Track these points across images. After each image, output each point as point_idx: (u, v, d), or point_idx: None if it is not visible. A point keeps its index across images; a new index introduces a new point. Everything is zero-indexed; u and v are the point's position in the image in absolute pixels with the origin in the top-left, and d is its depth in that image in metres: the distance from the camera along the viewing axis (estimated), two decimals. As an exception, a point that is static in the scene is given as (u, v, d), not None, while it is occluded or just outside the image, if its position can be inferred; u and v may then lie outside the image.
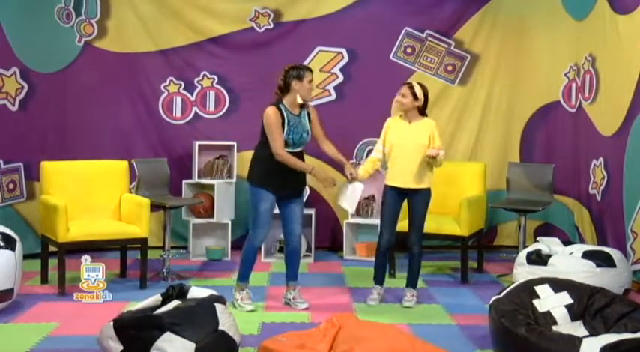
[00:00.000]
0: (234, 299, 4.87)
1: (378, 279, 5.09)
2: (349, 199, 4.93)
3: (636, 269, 5.28)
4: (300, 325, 4.44)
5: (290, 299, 4.97)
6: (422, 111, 4.96)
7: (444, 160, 4.89)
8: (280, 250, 6.50)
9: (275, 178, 4.75)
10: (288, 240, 4.98)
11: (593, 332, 3.75)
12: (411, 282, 5.05)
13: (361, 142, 6.95)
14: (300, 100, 4.77)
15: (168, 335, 3.48)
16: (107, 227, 5.46)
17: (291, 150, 4.74)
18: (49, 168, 5.61)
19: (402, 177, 4.89)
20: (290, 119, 4.74)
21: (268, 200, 4.79)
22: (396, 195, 4.94)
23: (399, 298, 5.12)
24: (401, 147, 4.89)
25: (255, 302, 4.91)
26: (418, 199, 4.92)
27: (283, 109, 4.74)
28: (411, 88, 4.89)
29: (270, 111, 4.70)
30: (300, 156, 4.82)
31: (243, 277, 4.94)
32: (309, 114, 4.88)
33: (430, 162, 4.84)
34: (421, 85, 4.96)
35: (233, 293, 4.93)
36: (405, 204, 5.04)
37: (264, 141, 4.75)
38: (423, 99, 4.90)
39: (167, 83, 6.89)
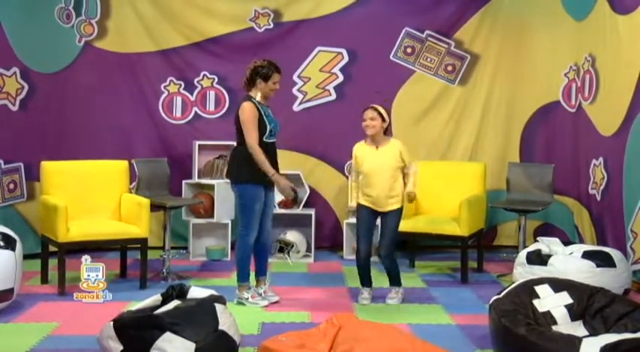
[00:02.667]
0: (243, 298, 4.91)
1: (365, 282, 5.14)
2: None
3: (636, 269, 5.28)
4: (300, 325, 4.44)
5: (261, 294, 5.01)
6: (387, 131, 5.05)
7: (416, 177, 4.98)
8: (280, 250, 6.51)
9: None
10: (262, 235, 5.00)
11: (593, 332, 3.75)
12: (394, 283, 5.12)
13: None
14: (258, 98, 4.89)
15: (168, 335, 3.48)
16: (107, 227, 5.46)
17: (273, 140, 4.91)
18: (49, 168, 5.61)
19: (374, 202, 4.98)
20: (265, 111, 4.87)
21: (261, 197, 4.87)
22: (369, 213, 5.03)
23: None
24: (371, 174, 4.96)
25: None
26: (390, 218, 5.01)
27: (257, 104, 4.85)
28: (377, 110, 4.96)
29: (247, 106, 4.81)
30: (275, 147, 4.94)
31: (246, 277, 4.97)
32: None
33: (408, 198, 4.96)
34: (382, 107, 5.04)
35: (238, 294, 4.94)
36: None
37: (244, 137, 4.83)
38: (388, 120, 5.01)
39: (167, 83, 6.89)
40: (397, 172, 4.95)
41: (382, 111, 4.97)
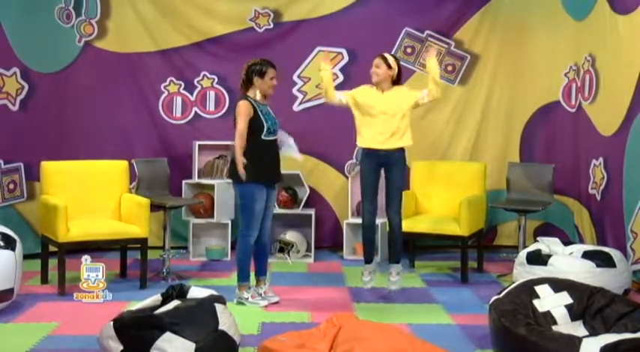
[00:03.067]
0: (243, 298, 4.92)
1: (368, 256, 5.14)
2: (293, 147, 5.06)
3: (636, 269, 5.28)
4: (300, 325, 4.44)
5: (261, 294, 5.02)
6: (396, 81, 5.04)
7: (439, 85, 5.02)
8: (280, 250, 6.51)
9: (264, 166, 4.85)
10: (262, 235, 5.01)
11: (593, 332, 3.75)
12: (394, 257, 5.11)
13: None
14: (257, 96, 4.89)
15: (168, 335, 3.48)
16: (107, 227, 5.46)
17: (272, 137, 4.91)
18: (49, 168, 5.61)
19: (376, 140, 4.98)
20: (262, 109, 4.87)
21: (262, 197, 4.88)
22: (372, 163, 5.01)
23: (399, 299, 5.14)
24: (374, 112, 4.97)
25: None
26: (394, 167, 5.00)
27: (253, 102, 4.86)
28: (384, 58, 4.99)
29: (242, 104, 4.84)
30: (275, 145, 4.94)
31: (246, 277, 4.98)
32: None
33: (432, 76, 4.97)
34: (393, 56, 5.08)
35: (238, 294, 4.95)
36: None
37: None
38: (396, 69, 5.00)
39: (167, 83, 6.89)
40: (404, 116, 4.96)
41: (389, 58, 4.99)
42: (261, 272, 5.10)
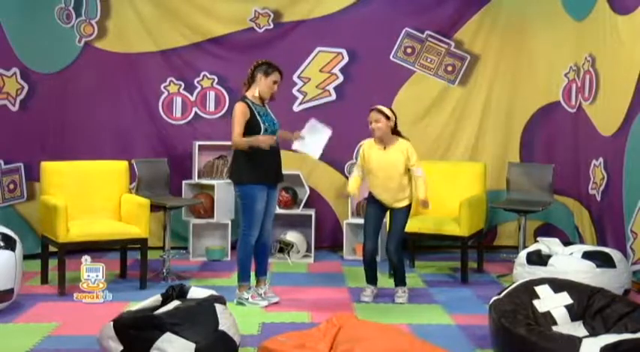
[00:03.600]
0: (243, 299, 4.91)
1: (370, 280, 5.18)
2: (313, 144, 4.96)
3: (636, 270, 5.28)
4: (300, 325, 4.44)
5: (261, 294, 5.01)
6: (395, 130, 5.03)
7: (426, 183, 5.01)
8: (280, 250, 6.51)
9: (264, 167, 4.83)
10: (262, 236, 5.00)
11: (593, 333, 3.75)
12: (399, 282, 5.14)
13: (361, 143, 6.92)
14: (256, 93, 4.88)
15: (168, 336, 3.47)
16: (107, 227, 5.46)
17: None
18: (49, 168, 5.61)
19: (382, 198, 5.04)
20: (259, 110, 4.86)
21: (263, 198, 4.87)
22: (377, 208, 5.09)
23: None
24: (378, 174, 5.00)
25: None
26: (398, 213, 5.06)
27: (250, 103, 4.84)
28: (380, 111, 4.98)
29: (238, 106, 4.85)
30: (275, 146, 4.88)
31: (246, 277, 4.97)
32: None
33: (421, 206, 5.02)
34: (388, 108, 5.07)
35: (238, 294, 4.94)
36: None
37: None
38: (394, 118, 4.99)
39: (167, 83, 6.89)
40: (405, 173, 4.99)
41: (385, 110, 4.99)
42: (261, 272, 5.10)
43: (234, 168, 4.95)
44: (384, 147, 5.02)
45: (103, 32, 6.72)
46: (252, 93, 4.90)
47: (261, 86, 4.88)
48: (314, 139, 4.95)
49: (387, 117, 4.96)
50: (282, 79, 4.99)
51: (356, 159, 6.83)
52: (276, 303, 4.98)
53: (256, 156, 4.78)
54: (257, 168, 4.80)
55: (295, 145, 4.99)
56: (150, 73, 6.85)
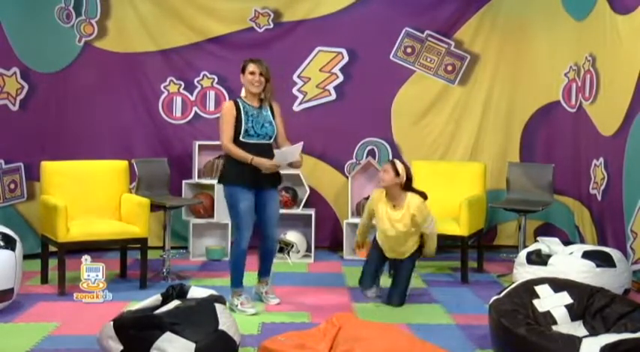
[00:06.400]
0: (233, 305, 4.77)
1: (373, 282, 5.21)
2: (290, 159, 4.84)
3: (636, 269, 5.28)
4: (300, 325, 4.44)
5: (262, 293, 5.00)
6: (407, 187, 4.96)
7: (435, 237, 5.01)
8: (280, 250, 6.49)
9: (245, 171, 4.68)
10: (265, 243, 4.95)
11: (593, 332, 3.75)
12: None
13: (361, 142, 6.95)
14: (243, 93, 4.83)
15: (168, 335, 3.47)
16: (107, 227, 5.45)
17: (254, 141, 4.73)
18: (49, 168, 5.61)
19: (388, 252, 5.07)
20: (248, 110, 4.76)
21: (246, 198, 4.72)
22: (380, 256, 5.11)
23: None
24: (386, 233, 4.99)
25: (254, 302, 4.91)
26: (404, 262, 5.05)
27: (240, 102, 4.78)
28: (394, 165, 4.94)
29: (225, 104, 4.81)
30: (265, 148, 4.76)
31: (238, 283, 4.87)
32: (271, 109, 4.88)
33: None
34: (403, 163, 5.03)
35: (230, 299, 4.79)
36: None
37: None
38: (404, 177, 4.90)
39: (167, 83, 6.89)
40: (411, 233, 4.97)
41: (398, 165, 4.93)
42: (264, 273, 5.06)
43: (222, 169, 4.91)
44: (394, 206, 4.96)
45: (103, 32, 6.72)
46: (245, 93, 4.85)
47: (244, 83, 4.81)
48: (289, 157, 4.79)
49: (397, 174, 4.89)
50: (259, 65, 4.76)
51: (355, 158, 6.87)
52: (277, 305, 4.94)
53: (232, 158, 4.71)
54: (237, 170, 4.69)
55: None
56: (150, 72, 6.85)
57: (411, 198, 4.93)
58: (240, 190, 4.71)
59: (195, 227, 6.65)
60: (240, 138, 4.71)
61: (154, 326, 3.52)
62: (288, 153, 4.76)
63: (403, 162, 5.08)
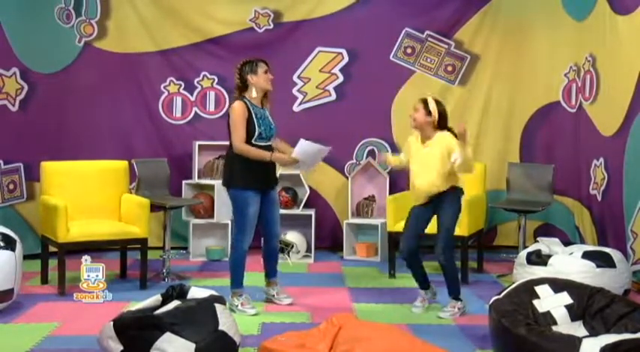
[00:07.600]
0: (233, 305, 4.77)
1: (419, 284, 4.98)
2: (310, 162, 4.79)
3: (636, 270, 5.28)
4: (300, 325, 4.44)
5: (273, 295, 4.99)
6: (440, 126, 4.62)
7: (471, 159, 4.56)
8: (280, 250, 6.45)
9: (258, 174, 4.70)
10: (272, 242, 4.96)
11: (593, 333, 3.75)
12: (450, 291, 4.80)
13: (361, 142, 6.95)
14: (255, 94, 4.75)
15: (168, 336, 3.47)
16: (107, 227, 5.46)
17: (264, 143, 4.72)
18: (49, 168, 5.61)
19: (421, 196, 4.75)
20: (256, 112, 4.73)
21: (255, 202, 4.73)
22: (421, 209, 4.77)
23: (399, 299, 5.15)
24: (417, 173, 4.71)
25: (254, 302, 4.90)
26: (442, 204, 4.68)
27: (249, 103, 4.73)
28: (425, 103, 4.64)
29: (237, 105, 4.69)
30: (270, 149, 4.75)
31: (238, 283, 4.87)
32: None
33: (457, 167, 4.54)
34: (437, 101, 4.67)
35: (230, 300, 4.77)
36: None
37: None
38: (437, 116, 4.59)
39: (167, 83, 6.89)
40: (445, 170, 4.57)
41: (430, 103, 4.60)
42: (271, 274, 5.04)
43: (224, 171, 4.87)
44: (423, 143, 4.70)
45: (103, 32, 6.72)
46: (250, 94, 4.77)
47: (258, 83, 4.73)
48: (310, 158, 4.74)
49: (429, 112, 4.58)
50: (269, 66, 4.79)
51: (355, 158, 6.87)
52: (289, 305, 4.93)
53: (245, 161, 4.67)
54: (250, 173, 4.67)
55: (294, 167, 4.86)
56: (150, 73, 6.85)
57: (441, 134, 4.60)
58: (251, 195, 4.71)
59: (195, 227, 6.65)
60: (253, 141, 4.68)
61: (153, 326, 3.52)
62: (311, 153, 4.70)
63: (435, 99, 4.69)
